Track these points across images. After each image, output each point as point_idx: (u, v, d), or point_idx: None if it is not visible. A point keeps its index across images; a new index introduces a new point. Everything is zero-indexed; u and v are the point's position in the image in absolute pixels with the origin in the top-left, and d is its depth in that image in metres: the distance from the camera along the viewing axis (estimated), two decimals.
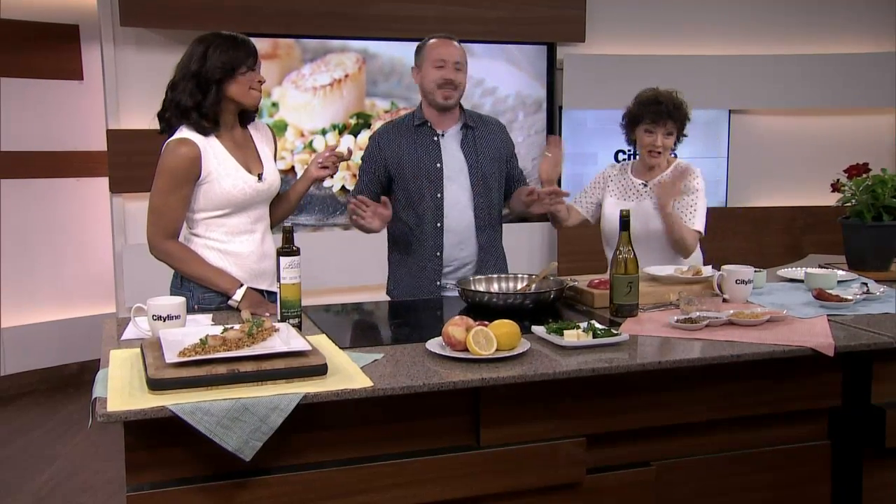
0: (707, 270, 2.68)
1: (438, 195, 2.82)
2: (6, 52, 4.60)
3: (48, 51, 4.75)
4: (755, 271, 2.60)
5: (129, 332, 2.17)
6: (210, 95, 2.36)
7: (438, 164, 2.83)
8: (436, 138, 2.85)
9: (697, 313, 2.26)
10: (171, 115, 2.38)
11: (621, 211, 2.37)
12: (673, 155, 3.12)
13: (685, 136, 3.03)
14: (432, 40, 2.84)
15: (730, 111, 5.52)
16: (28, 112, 4.71)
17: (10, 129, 4.65)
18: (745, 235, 5.46)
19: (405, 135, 2.87)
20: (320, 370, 1.77)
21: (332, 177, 2.70)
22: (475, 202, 2.85)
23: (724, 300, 2.49)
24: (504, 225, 2.99)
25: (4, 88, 4.62)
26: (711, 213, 5.34)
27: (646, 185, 3.00)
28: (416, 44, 2.88)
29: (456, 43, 2.83)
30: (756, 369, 2.07)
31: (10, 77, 4.64)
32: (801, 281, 2.80)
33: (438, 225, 2.83)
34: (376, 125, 4.95)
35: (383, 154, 2.86)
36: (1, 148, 4.63)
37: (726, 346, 2.05)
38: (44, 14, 4.72)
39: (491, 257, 2.90)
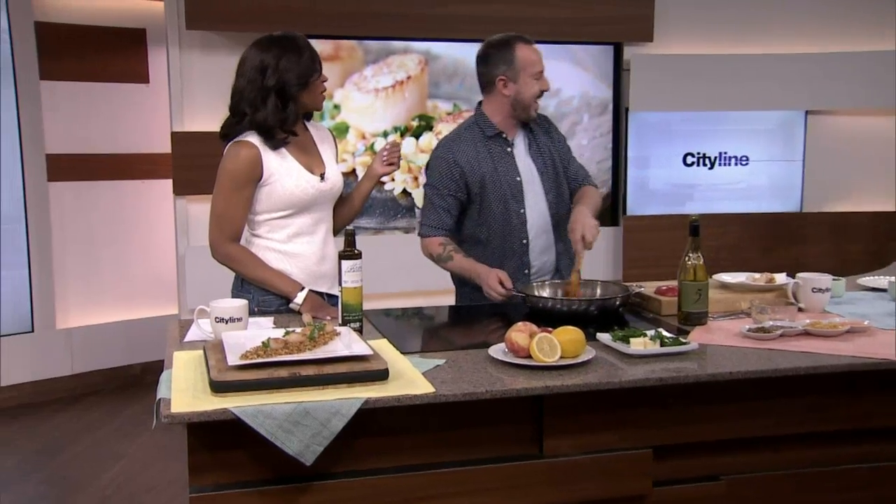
0: (781, 278, 2.61)
1: (522, 210, 2.72)
2: (76, 57, 4.76)
3: (116, 55, 4.90)
4: (833, 279, 2.53)
5: (192, 334, 2.22)
6: (291, 110, 2.40)
7: (518, 178, 2.72)
8: (509, 149, 2.74)
9: (770, 322, 2.21)
10: (247, 129, 2.39)
11: (691, 216, 2.33)
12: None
13: None
14: (521, 45, 2.65)
15: (806, 112, 5.39)
16: (96, 115, 4.87)
17: (79, 131, 4.81)
18: (821, 242, 5.31)
19: (479, 148, 2.72)
20: (381, 375, 1.78)
21: (393, 178, 2.71)
22: (551, 211, 2.76)
23: (800, 309, 2.43)
24: None
25: (74, 92, 4.78)
26: (785, 218, 5.31)
27: None
28: (478, 45, 2.79)
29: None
30: (835, 383, 2.01)
31: (80, 81, 4.80)
32: (885, 290, 2.71)
33: (524, 241, 2.73)
34: (438, 127, 4.97)
35: (462, 170, 2.69)
36: (70, 151, 4.79)
37: (802, 357, 2.00)
38: (113, 19, 4.87)
39: (565, 264, 2.81)
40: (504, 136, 2.74)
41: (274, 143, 2.40)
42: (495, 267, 2.64)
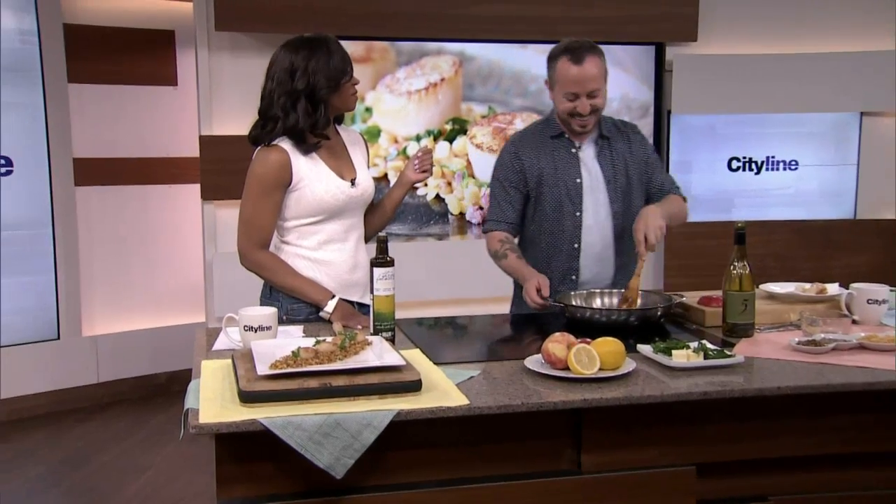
0: (833, 288, 2.58)
1: (577, 213, 2.73)
2: (105, 60, 4.86)
3: (144, 57, 4.99)
4: (890, 290, 2.49)
5: (221, 343, 2.25)
6: (321, 113, 2.42)
7: (578, 180, 2.73)
8: (574, 150, 2.75)
9: (822, 335, 2.18)
10: (280, 135, 2.41)
11: (736, 223, 2.31)
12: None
13: None
14: (564, 60, 2.62)
15: (861, 114, 5.31)
16: (124, 118, 4.96)
17: (107, 135, 4.90)
18: (877, 251, 5.23)
19: (543, 146, 2.76)
20: (414, 386, 1.79)
21: (426, 184, 2.73)
22: (615, 221, 2.74)
23: (854, 322, 2.40)
24: None
25: (102, 95, 4.88)
26: (838, 225, 5.24)
27: None
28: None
29: (592, 59, 2.61)
30: (892, 400, 1.97)
31: (108, 84, 4.89)
32: None
33: (576, 246, 2.73)
34: (473, 131, 4.99)
35: (523, 166, 2.74)
36: (98, 154, 4.88)
37: (857, 372, 1.97)
38: (141, 21, 4.96)
39: (624, 279, 2.75)
40: (567, 136, 2.76)
41: (305, 148, 2.43)
42: (542, 269, 2.66)
